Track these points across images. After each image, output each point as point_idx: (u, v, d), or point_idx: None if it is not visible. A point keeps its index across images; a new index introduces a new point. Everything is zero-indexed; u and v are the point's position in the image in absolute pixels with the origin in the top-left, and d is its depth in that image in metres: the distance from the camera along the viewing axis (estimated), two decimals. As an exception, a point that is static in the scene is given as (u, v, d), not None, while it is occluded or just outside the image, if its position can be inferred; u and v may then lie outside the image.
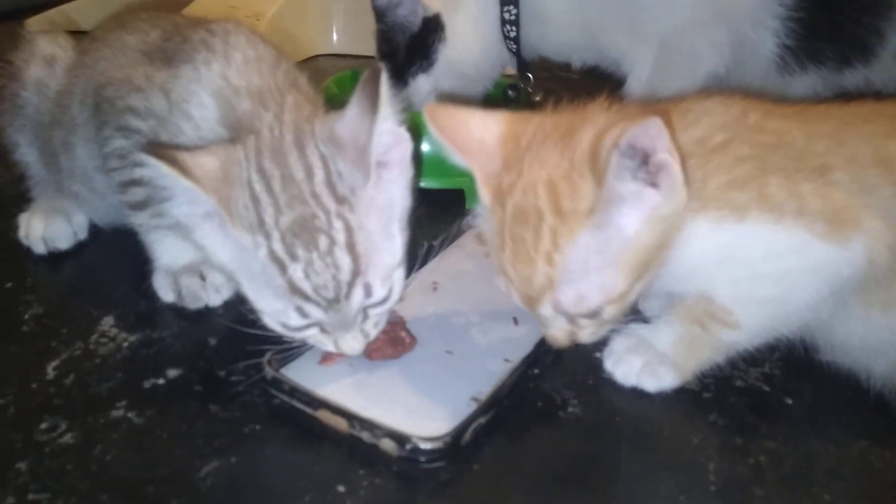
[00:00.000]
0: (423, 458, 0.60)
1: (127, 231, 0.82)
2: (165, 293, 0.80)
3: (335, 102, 0.67)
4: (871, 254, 0.59)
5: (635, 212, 0.57)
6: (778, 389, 0.69)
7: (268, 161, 0.62)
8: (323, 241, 0.60)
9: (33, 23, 1.72)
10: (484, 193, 0.63)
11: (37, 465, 0.60)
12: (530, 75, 1.26)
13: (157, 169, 0.59)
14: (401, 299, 0.68)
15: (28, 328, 0.77)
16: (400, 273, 0.66)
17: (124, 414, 0.65)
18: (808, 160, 0.61)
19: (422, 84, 1.17)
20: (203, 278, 0.80)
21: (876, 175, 0.61)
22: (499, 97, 1.28)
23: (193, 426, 0.64)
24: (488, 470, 0.60)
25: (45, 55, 0.87)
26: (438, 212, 0.95)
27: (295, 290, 0.61)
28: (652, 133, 0.54)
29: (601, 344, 0.70)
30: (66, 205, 0.91)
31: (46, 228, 0.90)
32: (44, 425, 0.64)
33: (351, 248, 0.61)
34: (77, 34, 0.92)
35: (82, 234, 0.93)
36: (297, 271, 0.60)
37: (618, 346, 0.70)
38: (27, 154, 0.93)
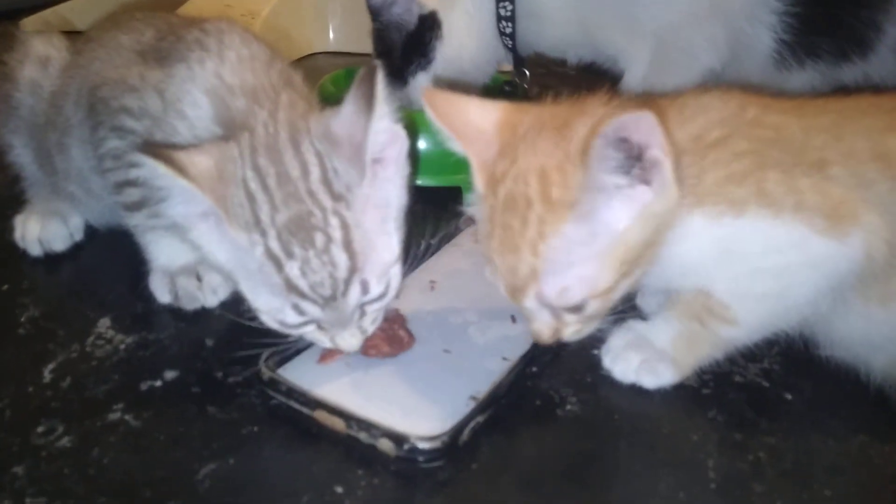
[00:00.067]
0: (421, 458, 0.59)
1: (123, 232, 0.82)
2: (162, 294, 0.80)
3: (331, 100, 0.66)
4: (869, 248, 0.59)
5: (625, 207, 0.57)
6: (777, 385, 0.69)
7: (263, 158, 0.61)
8: (319, 239, 0.60)
9: (28, 23, 1.72)
10: (478, 180, 0.63)
11: (34, 469, 0.59)
12: (526, 71, 1.25)
13: (152, 169, 0.59)
14: (396, 296, 0.67)
15: (24, 331, 0.77)
16: (397, 269, 0.66)
17: (121, 416, 0.65)
18: (807, 155, 0.61)
19: (422, 82, 1.16)
20: (200, 279, 0.79)
21: (874, 170, 0.60)
22: (496, 89, 1.27)
23: (191, 428, 0.64)
24: (487, 469, 0.60)
25: (40, 56, 0.87)
26: (436, 210, 0.95)
27: (291, 287, 0.60)
28: (645, 128, 0.54)
29: (599, 341, 0.70)
30: (62, 206, 0.91)
31: (42, 230, 0.90)
32: (40, 428, 0.63)
33: (347, 245, 0.60)
34: (72, 34, 0.92)
35: (78, 236, 0.93)
36: (293, 269, 0.60)
37: (616, 342, 0.70)
38: (22, 155, 0.92)
